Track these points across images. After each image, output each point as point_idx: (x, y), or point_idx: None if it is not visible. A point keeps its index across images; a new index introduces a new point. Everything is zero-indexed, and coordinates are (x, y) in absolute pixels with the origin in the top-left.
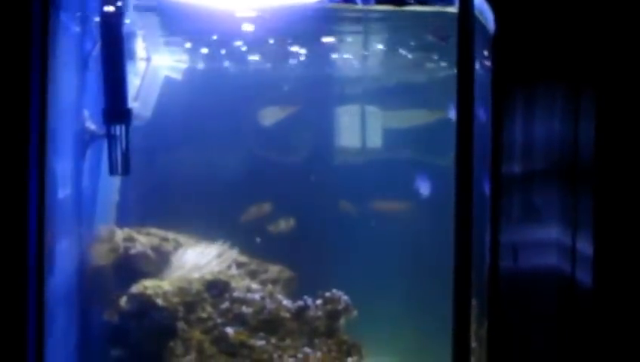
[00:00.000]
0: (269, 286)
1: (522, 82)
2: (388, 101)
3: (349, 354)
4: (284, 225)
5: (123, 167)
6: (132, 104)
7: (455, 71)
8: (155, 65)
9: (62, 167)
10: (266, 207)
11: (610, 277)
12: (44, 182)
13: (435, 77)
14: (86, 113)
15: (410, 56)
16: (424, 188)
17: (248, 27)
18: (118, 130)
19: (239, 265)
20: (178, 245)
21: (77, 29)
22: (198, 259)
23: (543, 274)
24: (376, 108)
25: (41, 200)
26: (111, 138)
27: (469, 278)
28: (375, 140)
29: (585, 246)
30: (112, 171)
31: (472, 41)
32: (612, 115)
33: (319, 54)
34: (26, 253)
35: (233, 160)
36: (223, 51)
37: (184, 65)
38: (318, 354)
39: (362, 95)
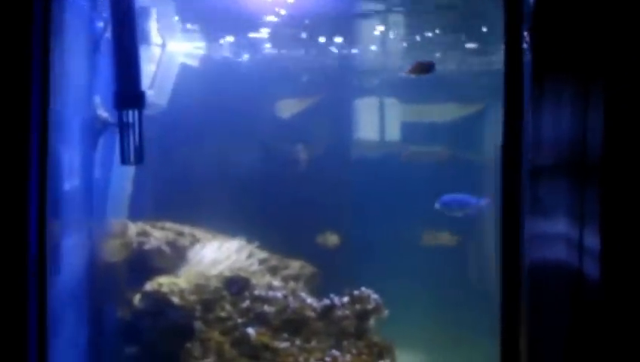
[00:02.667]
0: (291, 283)
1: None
2: (416, 94)
3: (380, 357)
4: (331, 239)
5: (136, 155)
6: (147, 92)
7: (490, 62)
8: (171, 51)
9: (69, 156)
10: None
11: (619, 271)
12: (46, 172)
13: (469, 68)
14: (97, 100)
15: (442, 46)
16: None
17: (268, 15)
18: (131, 115)
19: (259, 260)
20: (195, 240)
21: (87, 7)
22: (216, 254)
23: (551, 268)
24: (400, 100)
25: (43, 192)
26: (123, 124)
27: (519, 273)
28: (399, 134)
29: (593, 240)
30: (125, 160)
31: (521, 23)
32: (621, 106)
33: (342, 43)
34: (27, 250)
35: (250, 152)
36: (239, 38)
37: (201, 52)
38: (347, 356)
39: (385, 87)
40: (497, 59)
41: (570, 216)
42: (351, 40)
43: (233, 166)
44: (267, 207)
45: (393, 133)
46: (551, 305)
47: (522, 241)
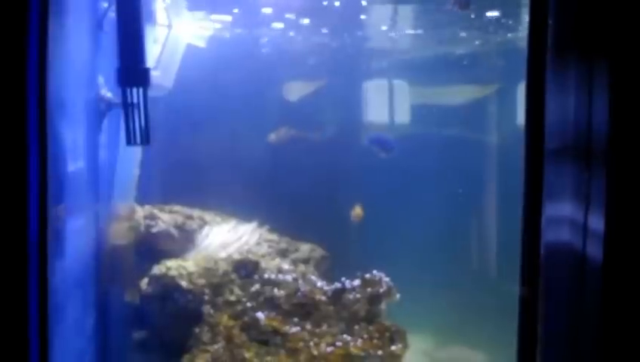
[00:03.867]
0: (301, 266)
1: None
2: (427, 75)
3: (392, 342)
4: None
5: (142, 135)
6: (153, 73)
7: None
8: (177, 32)
9: (73, 137)
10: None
11: (621, 254)
12: (47, 153)
13: (484, 48)
14: (101, 80)
15: (456, 25)
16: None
17: None
18: (135, 94)
19: (269, 243)
20: (203, 223)
21: None
22: (225, 237)
23: (557, 250)
24: (411, 82)
25: (43, 173)
26: (127, 103)
27: (538, 257)
28: (410, 116)
29: (597, 223)
30: (130, 140)
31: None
32: (628, 87)
33: (353, 23)
34: (27, 233)
35: (258, 135)
36: (246, 18)
37: (208, 33)
38: (359, 341)
39: (395, 69)
40: (513, 37)
41: (576, 199)
42: (360, 20)
43: (241, 149)
44: (276, 190)
45: (403, 115)
46: (558, 287)
47: (543, 224)
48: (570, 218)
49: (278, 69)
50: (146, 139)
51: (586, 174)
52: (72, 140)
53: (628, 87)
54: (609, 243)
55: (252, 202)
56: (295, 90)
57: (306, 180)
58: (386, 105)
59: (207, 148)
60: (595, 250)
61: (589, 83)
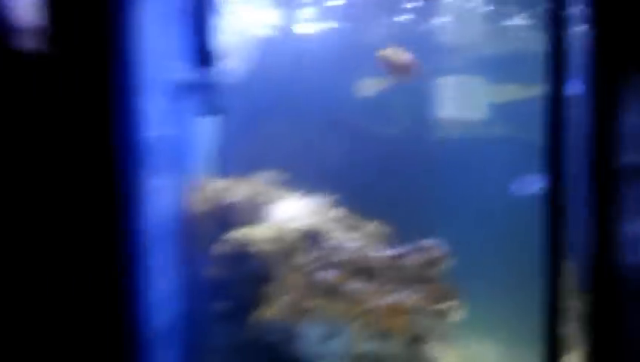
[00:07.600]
0: (366, 239)
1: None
2: (494, 73)
3: (445, 299)
4: None
5: (214, 108)
6: (223, 61)
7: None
8: (245, 20)
9: (151, 110)
10: None
11: None
12: (130, 123)
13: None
14: (177, 61)
15: (520, 21)
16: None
17: None
18: (207, 73)
19: (337, 218)
20: (274, 196)
21: None
22: (294, 211)
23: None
24: (482, 80)
25: (127, 139)
26: (199, 82)
27: (561, 261)
28: (478, 114)
29: None
30: (204, 114)
31: None
32: None
33: (420, 18)
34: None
35: (331, 130)
36: (317, 9)
37: (277, 22)
38: (413, 297)
39: (465, 66)
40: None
41: None
42: (433, 12)
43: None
44: (348, 176)
45: (479, 113)
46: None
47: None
48: None
49: (349, 62)
50: (219, 110)
51: None
52: (152, 112)
53: None
54: None
55: (324, 184)
56: (368, 87)
57: (379, 170)
58: (462, 102)
59: (280, 127)
60: None
61: None
